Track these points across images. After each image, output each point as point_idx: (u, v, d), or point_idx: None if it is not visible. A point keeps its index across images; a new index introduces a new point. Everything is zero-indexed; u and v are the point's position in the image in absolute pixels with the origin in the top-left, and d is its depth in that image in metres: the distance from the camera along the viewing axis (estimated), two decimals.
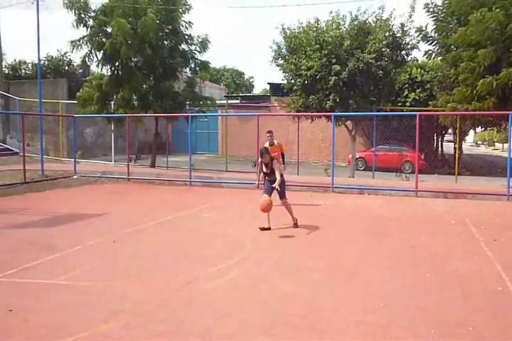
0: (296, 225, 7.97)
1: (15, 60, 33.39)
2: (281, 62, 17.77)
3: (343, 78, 16.02)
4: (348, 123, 17.84)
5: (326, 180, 13.37)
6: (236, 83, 47.43)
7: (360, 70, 16.00)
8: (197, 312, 4.28)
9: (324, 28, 16.88)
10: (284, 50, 17.61)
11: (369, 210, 9.98)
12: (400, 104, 21.47)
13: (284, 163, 9.72)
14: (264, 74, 73.58)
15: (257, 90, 49.65)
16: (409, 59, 17.84)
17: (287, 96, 19.20)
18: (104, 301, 4.56)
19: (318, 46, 16.36)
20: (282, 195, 7.84)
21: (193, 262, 5.96)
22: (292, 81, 17.69)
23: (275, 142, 9.64)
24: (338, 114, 15.60)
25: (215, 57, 65.92)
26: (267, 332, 3.87)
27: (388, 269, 5.67)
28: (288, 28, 17.31)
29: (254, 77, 54.62)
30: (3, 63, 25.57)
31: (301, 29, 17.26)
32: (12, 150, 20.52)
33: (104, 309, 4.36)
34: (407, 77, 21.66)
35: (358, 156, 20.12)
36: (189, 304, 4.49)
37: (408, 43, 16.96)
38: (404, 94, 21.81)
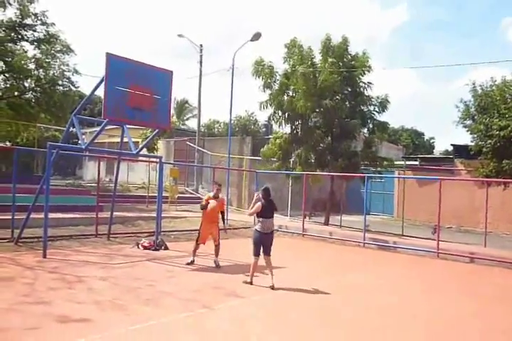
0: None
1: (210, 120, 38.06)
2: (468, 122, 16.69)
3: None
4: None
5: None
6: (415, 144, 45.73)
7: None
8: None
9: None
10: (472, 109, 16.56)
11: None
12: None
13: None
14: (446, 134, 69.69)
15: (437, 151, 47.02)
16: None
17: (474, 159, 17.67)
18: None
19: None
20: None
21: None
22: (481, 142, 16.34)
23: (220, 196, 9.68)
24: None
25: (393, 117, 64.95)
26: None
27: None
28: (480, 86, 16.37)
29: (434, 138, 51.67)
30: (201, 123, 29.36)
31: (493, 87, 16.12)
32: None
33: None
34: None
35: None
36: None
37: None
38: None
